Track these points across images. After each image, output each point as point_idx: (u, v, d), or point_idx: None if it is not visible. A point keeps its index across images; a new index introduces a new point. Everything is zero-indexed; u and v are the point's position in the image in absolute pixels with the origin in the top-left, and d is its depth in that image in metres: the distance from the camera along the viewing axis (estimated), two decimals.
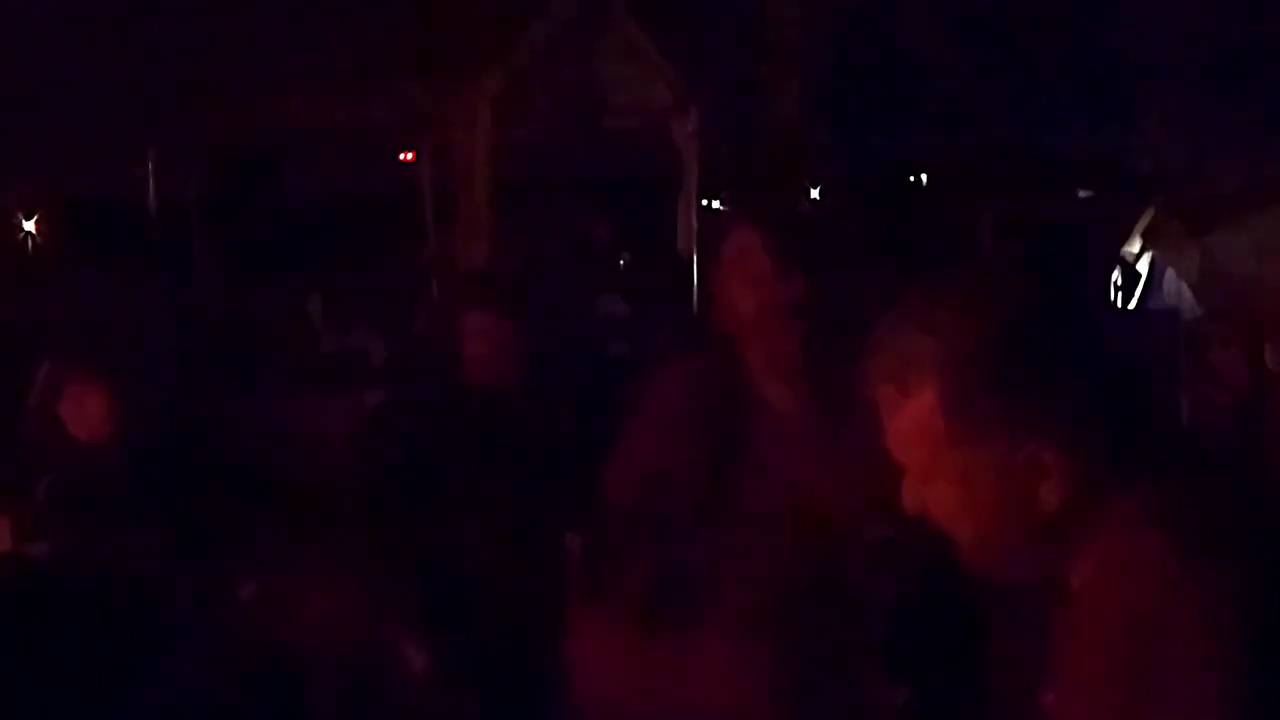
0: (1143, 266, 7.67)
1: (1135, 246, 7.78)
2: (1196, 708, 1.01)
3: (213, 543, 2.99)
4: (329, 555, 2.96)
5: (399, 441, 3.41)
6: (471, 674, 2.86)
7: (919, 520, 1.22)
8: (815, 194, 11.45)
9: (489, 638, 2.93)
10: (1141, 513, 1.12)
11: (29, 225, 8.44)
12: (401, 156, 7.95)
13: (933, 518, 1.20)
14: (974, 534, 1.18)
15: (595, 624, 2.64)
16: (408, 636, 2.84)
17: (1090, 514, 1.14)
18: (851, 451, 2.46)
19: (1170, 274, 7.34)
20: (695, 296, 7.21)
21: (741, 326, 2.61)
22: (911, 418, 1.17)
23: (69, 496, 3.05)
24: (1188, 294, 6.93)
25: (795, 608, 2.42)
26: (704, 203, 8.15)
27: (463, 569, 3.00)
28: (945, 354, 1.14)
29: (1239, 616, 1.02)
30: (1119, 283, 7.87)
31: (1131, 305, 7.58)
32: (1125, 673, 1.05)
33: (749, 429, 2.61)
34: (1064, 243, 9.60)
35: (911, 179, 13.52)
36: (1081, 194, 11.96)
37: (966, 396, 1.13)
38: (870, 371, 1.20)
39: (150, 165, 7.13)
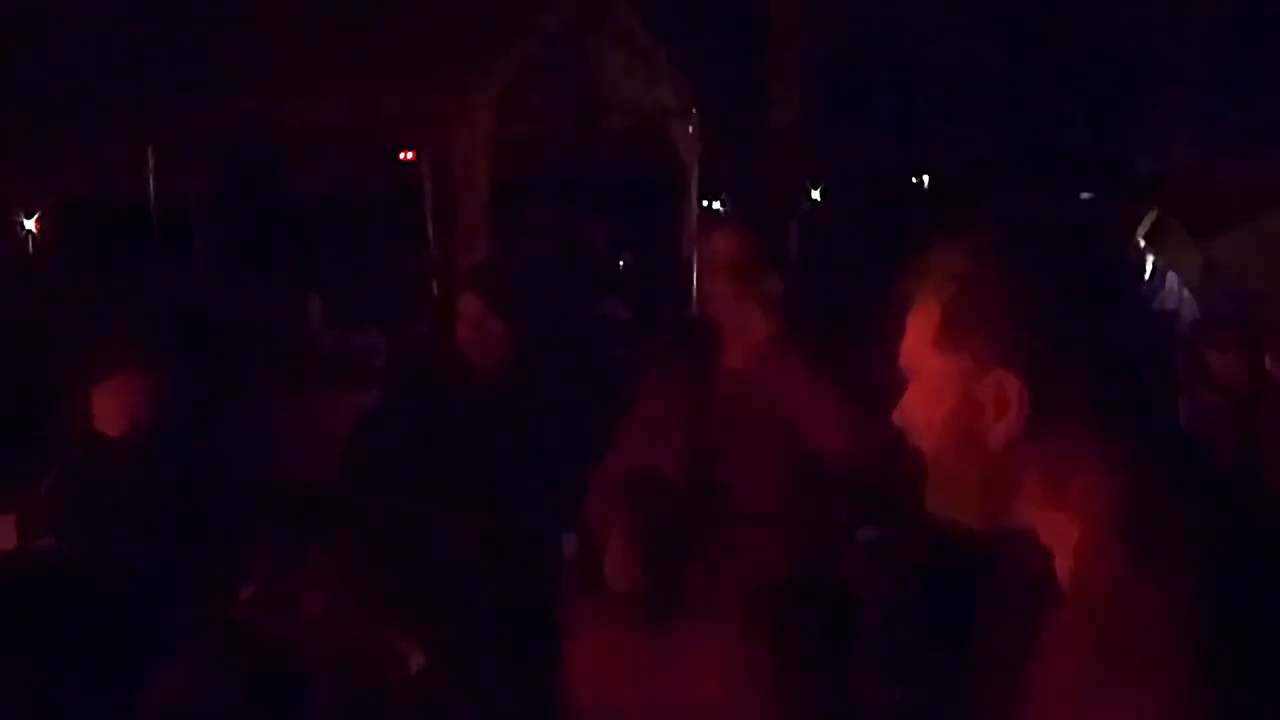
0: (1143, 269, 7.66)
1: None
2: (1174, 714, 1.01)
3: (213, 541, 3.00)
4: (328, 555, 2.96)
5: (395, 442, 3.42)
6: (467, 674, 2.86)
7: (902, 456, 1.27)
8: (816, 195, 11.47)
9: (485, 637, 2.93)
10: (1125, 514, 1.12)
11: (29, 225, 8.43)
12: (401, 156, 7.94)
13: (908, 432, 1.25)
14: (930, 453, 1.23)
15: (591, 623, 2.64)
16: (404, 636, 2.84)
17: (1052, 486, 1.17)
18: (844, 439, 2.48)
19: (1171, 276, 7.32)
20: (695, 297, 7.20)
21: (724, 319, 2.65)
22: (917, 322, 1.23)
23: (73, 494, 3.05)
24: (1188, 296, 6.92)
25: (788, 607, 2.42)
26: (704, 203, 8.15)
27: (460, 568, 3.00)
28: (965, 269, 1.19)
29: (1216, 629, 1.02)
30: None
31: None
32: (1105, 677, 1.05)
33: (733, 420, 2.63)
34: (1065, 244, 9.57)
35: (913, 180, 13.52)
36: (1083, 196, 11.96)
37: (965, 309, 1.18)
38: (906, 285, 1.25)
39: (150, 165, 7.12)
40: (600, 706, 2.55)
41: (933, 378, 1.22)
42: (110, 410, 3.14)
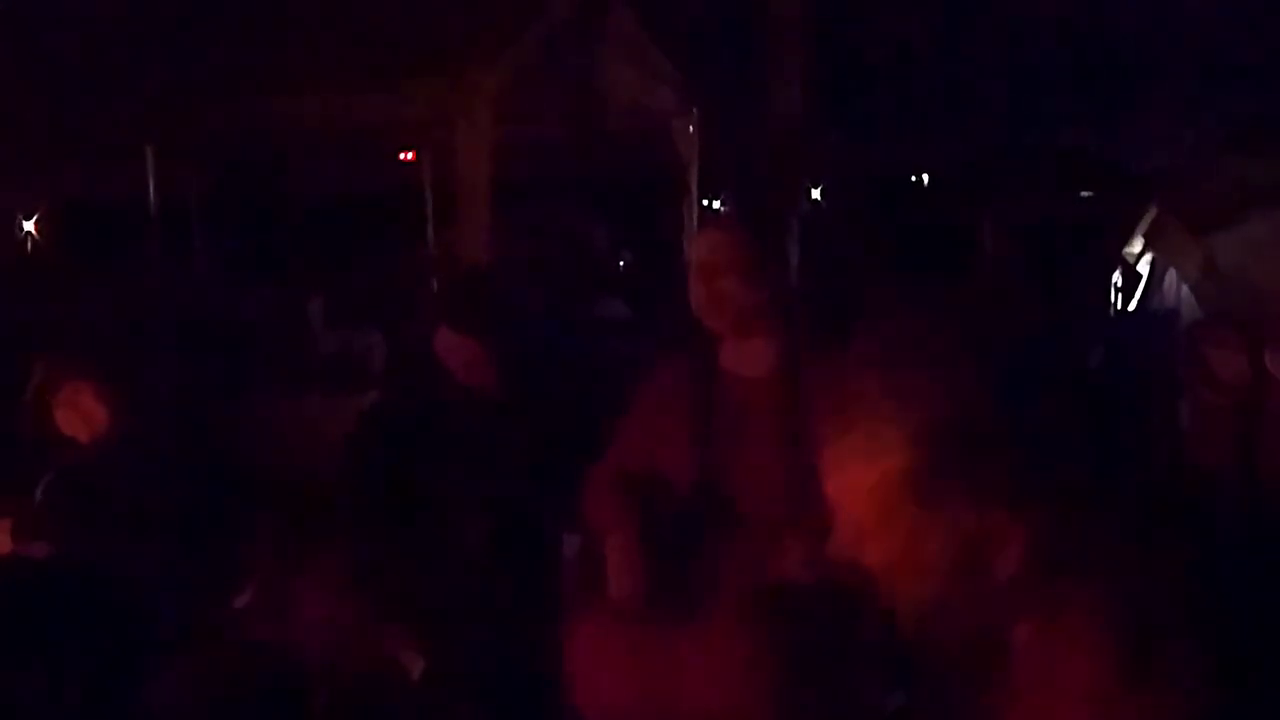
0: (1143, 267, 7.65)
1: (1136, 247, 7.75)
2: None
3: (212, 543, 2.99)
4: (327, 558, 2.96)
5: (393, 443, 3.41)
6: (468, 678, 2.86)
7: (843, 570, 1.18)
8: (816, 194, 11.46)
9: (486, 640, 2.93)
10: (1090, 589, 1.10)
11: (29, 225, 8.43)
12: (401, 156, 7.94)
13: (864, 570, 1.17)
14: (914, 594, 1.15)
15: (592, 624, 2.64)
16: (404, 642, 2.84)
17: (1039, 588, 1.12)
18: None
19: (1171, 275, 7.31)
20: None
21: (718, 324, 2.63)
22: (875, 475, 1.12)
23: (68, 497, 3.04)
24: (1188, 295, 6.91)
25: (791, 609, 2.42)
26: (704, 203, 8.15)
27: (460, 571, 2.99)
28: (925, 421, 1.09)
29: (1177, 699, 1.01)
30: (1119, 284, 7.85)
31: (1131, 307, 7.56)
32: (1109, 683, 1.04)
33: (733, 423, 2.62)
34: (1065, 244, 9.58)
35: (913, 179, 13.51)
36: (1083, 194, 11.95)
37: (939, 464, 1.09)
38: (840, 422, 1.15)
39: (150, 165, 7.12)
40: (601, 708, 2.55)
41: (908, 526, 1.12)
42: (99, 413, 3.14)
